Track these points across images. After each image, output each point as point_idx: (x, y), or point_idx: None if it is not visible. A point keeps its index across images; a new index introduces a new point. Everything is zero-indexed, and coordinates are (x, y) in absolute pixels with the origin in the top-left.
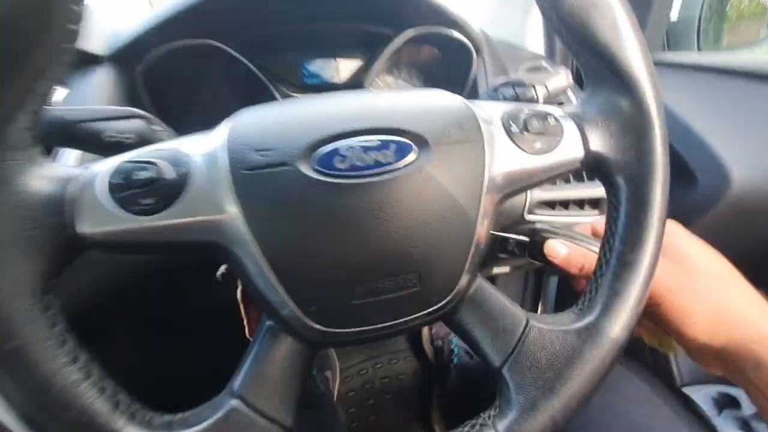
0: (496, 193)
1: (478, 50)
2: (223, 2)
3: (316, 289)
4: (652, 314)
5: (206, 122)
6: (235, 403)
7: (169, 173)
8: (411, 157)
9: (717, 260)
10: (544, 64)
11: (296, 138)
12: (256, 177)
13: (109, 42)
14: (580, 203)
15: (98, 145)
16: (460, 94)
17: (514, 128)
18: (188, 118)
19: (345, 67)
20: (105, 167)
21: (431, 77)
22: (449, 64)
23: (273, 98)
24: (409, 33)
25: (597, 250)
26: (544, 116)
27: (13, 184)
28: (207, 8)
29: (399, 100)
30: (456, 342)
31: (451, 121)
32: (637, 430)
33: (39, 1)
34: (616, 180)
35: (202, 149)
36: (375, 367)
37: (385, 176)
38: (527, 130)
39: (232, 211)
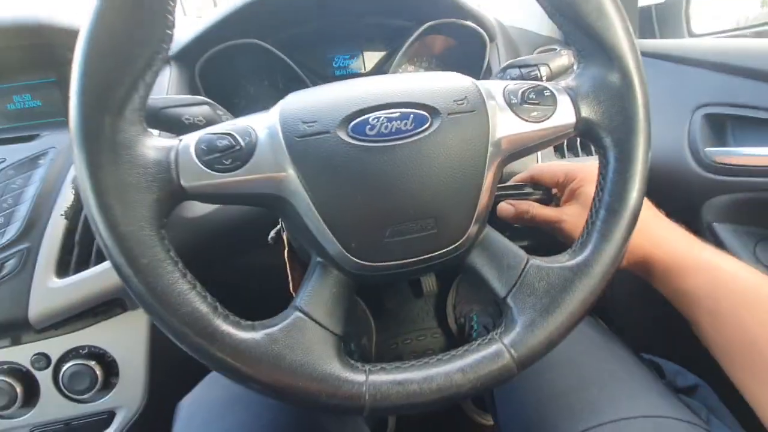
0: (499, 155)
1: (491, 38)
2: (264, 6)
3: (355, 231)
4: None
5: (250, 110)
6: (298, 313)
7: (241, 141)
8: (426, 125)
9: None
10: (556, 47)
11: (335, 111)
12: (304, 143)
13: (173, 44)
14: None
15: (178, 126)
16: (477, 72)
17: (514, 100)
18: (234, 108)
19: (370, 59)
20: (194, 138)
21: (449, 65)
22: (465, 51)
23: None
24: (428, 24)
25: (538, 195)
26: (540, 90)
27: (133, 149)
28: (250, 12)
29: (415, 80)
30: (476, 318)
31: (459, 95)
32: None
33: (145, 15)
34: (605, 141)
35: (264, 123)
36: (404, 342)
37: (406, 140)
38: (526, 102)
39: (288, 170)
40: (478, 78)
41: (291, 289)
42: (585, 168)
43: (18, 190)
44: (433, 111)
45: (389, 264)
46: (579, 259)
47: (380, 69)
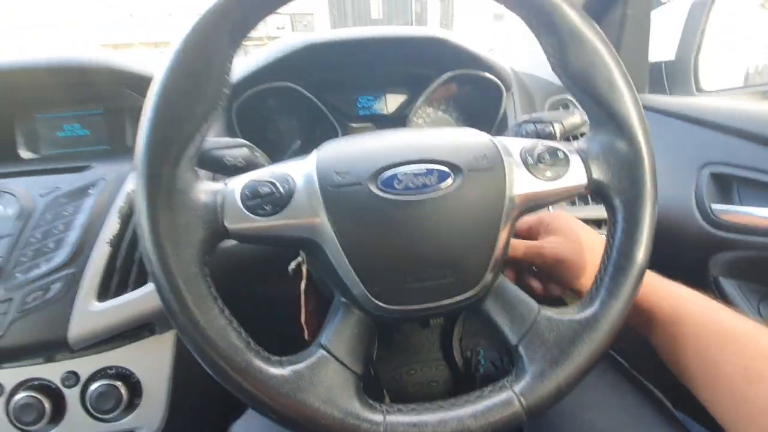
0: (514, 210)
1: (507, 88)
2: (299, 56)
3: (379, 276)
4: (558, 272)
5: (279, 145)
6: (322, 351)
7: (281, 188)
8: (448, 181)
9: (595, 235)
10: (569, 96)
11: (367, 165)
12: (338, 193)
13: None
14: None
15: (221, 166)
16: (491, 125)
17: (530, 160)
18: (264, 142)
19: (392, 101)
20: (239, 184)
21: (466, 109)
22: (482, 98)
23: (333, 127)
24: (447, 74)
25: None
26: (554, 151)
27: (187, 193)
28: (287, 60)
29: (440, 137)
30: (483, 353)
31: (479, 153)
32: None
33: (206, 78)
34: (614, 202)
35: (301, 171)
36: (408, 373)
37: (430, 195)
38: (540, 162)
39: (322, 217)
40: (494, 123)
41: (302, 320)
42: (550, 216)
43: (68, 218)
44: (455, 168)
45: (408, 308)
46: (587, 313)
47: (402, 111)
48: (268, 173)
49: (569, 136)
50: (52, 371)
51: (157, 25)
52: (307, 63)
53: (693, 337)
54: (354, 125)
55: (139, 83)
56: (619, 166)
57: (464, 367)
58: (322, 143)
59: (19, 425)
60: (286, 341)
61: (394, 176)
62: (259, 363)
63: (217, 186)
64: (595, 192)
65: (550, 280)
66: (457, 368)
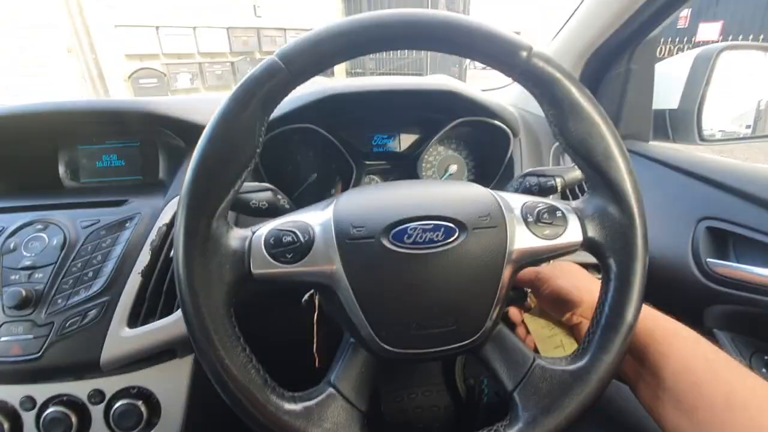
0: (513, 265)
1: (515, 134)
2: (321, 103)
3: (386, 322)
4: (552, 301)
5: (297, 177)
6: (331, 389)
7: (301, 238)
8: (454, 236)
9: (588, 275)
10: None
11: (380, 220)
12: (353, 245)
13: None
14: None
15: (247, 209)
16: (499, 166)
17: (530, 218)
18: (281, 173)
19: (405, 140)
20: (264, 231)
21: (475, 149)
22: (491, 141)
23: (347, 163)
24: (458, 120)
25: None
26: (554, 210)
27: (219, 241)
28: (309, 106)
29: (447, 194)
30: (487, 383)
31: (484, 211)
32: None
33: (241, 142)
34: (608, 261)
35: (320, 222)
36: (409, 396)
37: (436, 249)
38: (540, 221)
39: (337, 265)
40: (502, 164)
41: (315, 348)
42: (552, 266)
43: (106, 249)
44: (461, 225)
45: (412, 352)
46: (579, 365)
47: (414, 150)
48: (290, 222)
49: (569, 188)
50: (79, 388)
51: (182, 36)
52: (328, 108)
53: (678, 362)
54: (368, 162)
55: (173, 124)
56: (612, 229)
57: (467, 394)
58: (341, 194)
59: None
60: (298, 368)
61: (405, 231)
62: (275, 399)
63: (245, 233)
64: (589, 249)
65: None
66: (458, 395)
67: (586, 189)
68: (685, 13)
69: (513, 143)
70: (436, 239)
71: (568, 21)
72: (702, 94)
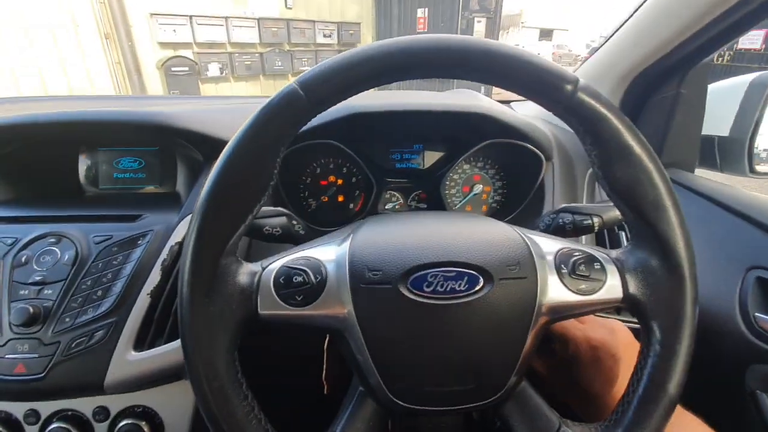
0: (542, 319)
1: (547, 158)
2: (343, 121)
3: (399, 374)
4: (575, 368)
5: (317, 188)
6: None
7: (313, 278)
8: (478, 287)
9: (627, 336)
10: None
11: (398, 265)
12: (368, 291)
13: None
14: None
15: (260, 235)
16: (529, 189)
17: (564, 269)
18: (298, 184)
19: (430, 157)
20: (275, 267)
21: (504, 169)
22: (520, 163)
23: (367, 178)
24: (487, 141)
25: None
26: (591, 261)
27: (227, 278)
28: (331, 124)
29: (473, 237)
30: None
31: (512, 260)
32: None
33: (254, 178)
34: (651, 325)
35: (334, 261)
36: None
37: (458, 300)
38: (575, 272)
39: (350, 310)
40: (533, 188)
41: (324, 376)
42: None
43: (117, 267)
44: (487, 274)
45: (424, 409)
46: None
47: (438, 169)
48: (302, 259)
49: (608, 229)
50: (84, 405)
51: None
52: (351, 125)
53: None
54: (389, 179)
55: (191, 137)
56: (658, 288)
57: (481, 419)
58: (358, 227)
59: None
60: (305, 391)
61: (425, 277)
62: None
63: (255, 269)
64: (629, 308)
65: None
66: (471, 418)
67: (627, 235)
68: None
69: (545, 168)
70: (458, 289)
71: (610, 38)
72: (756, 123)
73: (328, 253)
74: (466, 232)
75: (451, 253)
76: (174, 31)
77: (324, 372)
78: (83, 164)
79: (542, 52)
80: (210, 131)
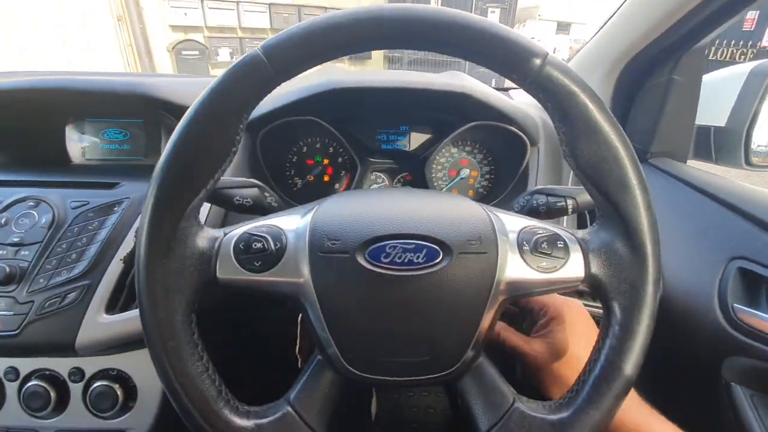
0: (501, 296)
1: (533, 142)
2: (322, 96)
3: (354, 344)
4: (535, 374)
5: (302, 167)
6: (288, 408)
7: (272, 245)
8: (437, 260)
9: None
10: None
11: (357, 234)
12: (326, 259)
13: None
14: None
15: (230, 205)
16: (515, 173)
17: (526, 246)
18: (285, 162)
19: (416, 139)
20: (236, 234)
21: (491, 153)
22: (506, 147)
23: (352, 159)
24: (472, 124)
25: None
26: (554, 239)
27: (185, 242)
28: (311, 99)
29: (436, 211)
30: None
31: (474, 234)
32: None
33: (217, 140)
34: (611, 305)
35: (295, 229)
36: (407, 394)
37: (415, 273)
38: (537, 250)
39: (307, 278)
40: (518, 172)
41: (297, 348)
42: (560, 307)
43: (93, 232)
44: (446, 248)
45: (380, 378)
46: (562, 416)
47: (424, 151)
48: (264, 226)
49: (583, 212)
50: (61, 365)
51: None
52: (334, 101)
53: None
54: (373, 159)
55: (171, 108)
56: (619, 268)
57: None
58: (325, 200)
59: (28, 410)
60: (280, 367)
61: (383, 248)
62: (226, 412)
63: (216, 234)
64: (591, 287)
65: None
66: (455, 399)
67: (596, 220)
68: (752, 14)
69: (530, 152)
70: (416, 261)
71: (605, 24)
72: (754, 114)
73: (290, 223)
74: (429, 207)
75: (411, 225)
76: (185, 14)
77: (297, 346)
78: (70, 134)
79: (559, 46)
80: (190, 102)
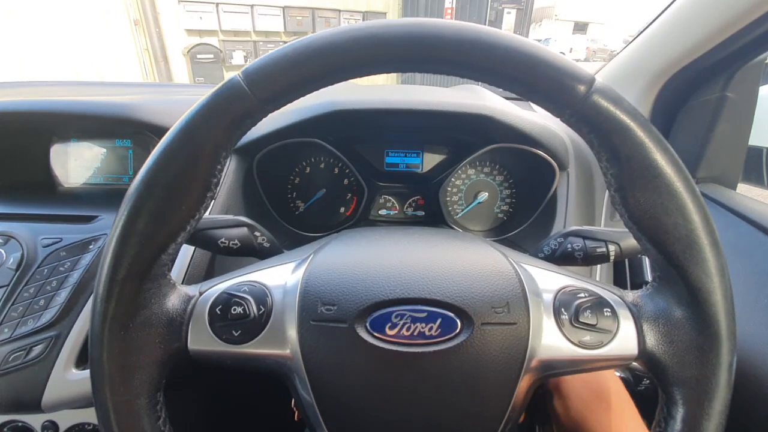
0: (534, 375)
1: (561, 167)
2: (325, 118)
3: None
4: None
5: (305, 191)
6: None
7: (255, 310)
8: (454, 333)
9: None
10: None
11: (356, 299)
12: (318, 329)
13: None
14: None
15: (214, 248)
16: (538, 203)
17: (564, 315)
18: (287, 185)
19: (430, 160)
20: (212, 293)
21: (512, 176)
22: (531, 170)
23: (359, 182)
24: (493, 146)
25: None
26: (599, 306)
27: (148, 308)
28: (313, 121)
29: (454, 266)
30: None
31: (500, 300)
32: None
33: (194, 170)
34: (672, 392)
35: (283, 286)
36: None
37: (427, 349)
38: (577, 321)
39: (295, 351)
40: (544, 199)
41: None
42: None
43: (64, 274)
44: (466, 317)
45: None
46: None
47: (438, 173)
48: (246, 284)
49: (625, 258)
50: (33, 418)
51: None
52: (336, 122)
53: None
54: (383, 184)
55: (157, 131)
56: (684, 347)
57: None
58: (321, 248)
59: None
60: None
61: (388, 317)
62: None
63: (190, 293)
64: (647, 367)
65: None
66: None
67: (650, 279)
68: None
69: (558, 178)
70: (428, 334)
71: (638, 35)
72: None
73: (278, 277)
74: (445, 260)
75: (422, 287)
76: (200, 18)
77: (293, 399)
78: (55, 155)
79: (575, 47)
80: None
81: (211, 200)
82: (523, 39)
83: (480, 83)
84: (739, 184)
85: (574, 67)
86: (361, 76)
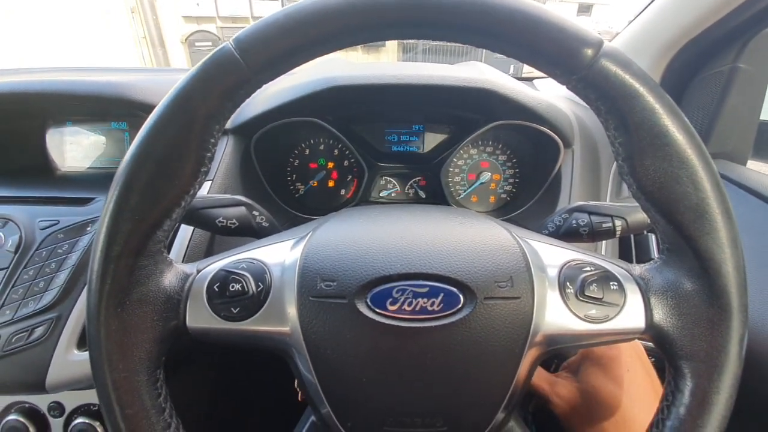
0: (538, 350)
1: (566, 144)
2: (323, 95)
3: (353, 410)
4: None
5: (305, 172)
6: None
7: (254, 287)
8: (456, 307)
9: (645, 393)
10: None
11: (357, 274)
12: (318, 304)
13: (233, 118)
14: None
15: (213, 228)
16: (542, 182)
17: (569, 289)
18: (287, 167)
19: (431, 140)
20: (209, 270)
21: (515, 155)
22: (535, 147)
23: (359, 164)
24: (496, 123)
25: None
26: (605, 279)
27: (145, 285)
28: (310, 98)
29: (456, 241)
30: None
31: (504, 274)
32: None
33: (186, 143)
34: (681, 366)
35: (281, 263)
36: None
37: (429, 324)
38: (583, 294)
39: (295, 327)
40: (548, 177)
41: (296, 383)
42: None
43: (63, 256)
44: (468, 292)
45: None
46: None
47: (440, 153)
48: (244, 261)
49: (633, 235)
50: (40, 399)
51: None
52: (334, 100)
53: None
54: (383, 164)
55: (151, 110)
56: (693, 320)
57: None
58: (321, 224)
59: None
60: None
61: (389, 292)
62: None
63: (188, 271)
64: (654, 341)
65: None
66: None
67: (658, 247)
68: None
69: (563, 155)
70: (430, 309)
71: (648, 5)
72: None
73: (277, 255)
74: (447, 235)
75: (424, 261)
76: (197, 4)
77: (297, 379)
78: (51, 139)
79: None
80: None
81: (205, 176)
82: (529, 2)
83: (479, 58)
84: (749, 161)
85: (581, 30)
86: (357, 44)
